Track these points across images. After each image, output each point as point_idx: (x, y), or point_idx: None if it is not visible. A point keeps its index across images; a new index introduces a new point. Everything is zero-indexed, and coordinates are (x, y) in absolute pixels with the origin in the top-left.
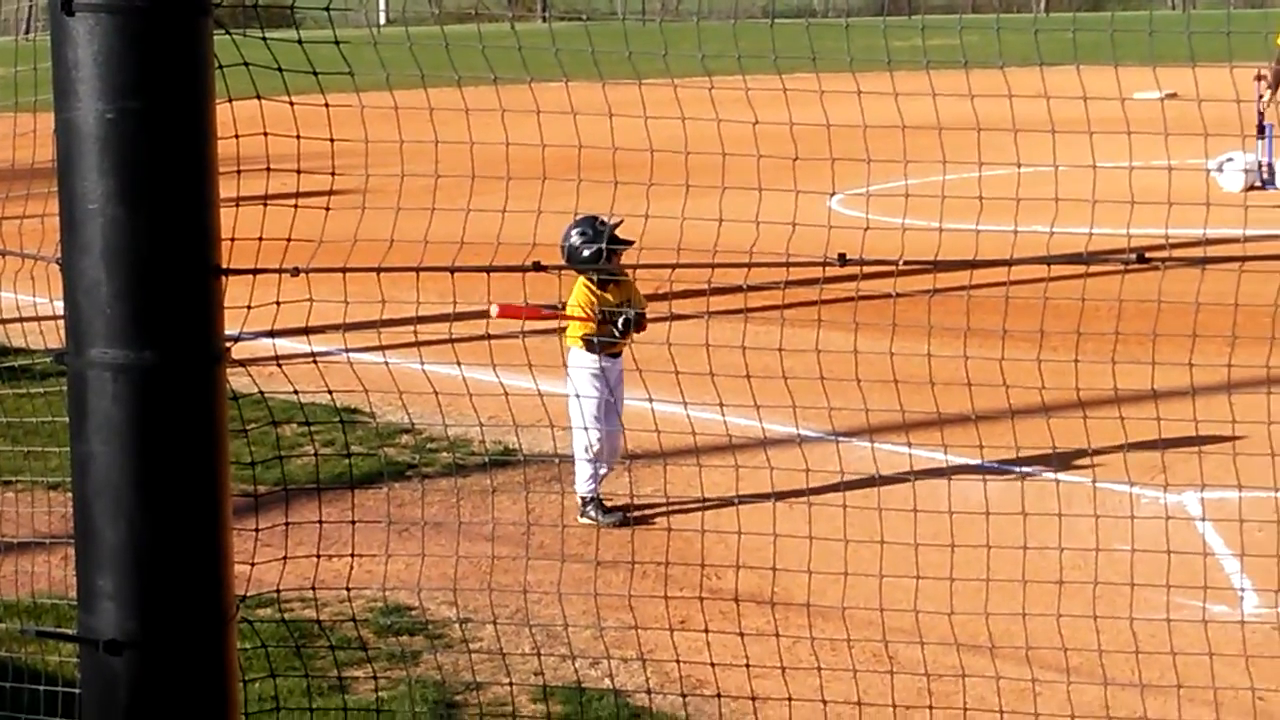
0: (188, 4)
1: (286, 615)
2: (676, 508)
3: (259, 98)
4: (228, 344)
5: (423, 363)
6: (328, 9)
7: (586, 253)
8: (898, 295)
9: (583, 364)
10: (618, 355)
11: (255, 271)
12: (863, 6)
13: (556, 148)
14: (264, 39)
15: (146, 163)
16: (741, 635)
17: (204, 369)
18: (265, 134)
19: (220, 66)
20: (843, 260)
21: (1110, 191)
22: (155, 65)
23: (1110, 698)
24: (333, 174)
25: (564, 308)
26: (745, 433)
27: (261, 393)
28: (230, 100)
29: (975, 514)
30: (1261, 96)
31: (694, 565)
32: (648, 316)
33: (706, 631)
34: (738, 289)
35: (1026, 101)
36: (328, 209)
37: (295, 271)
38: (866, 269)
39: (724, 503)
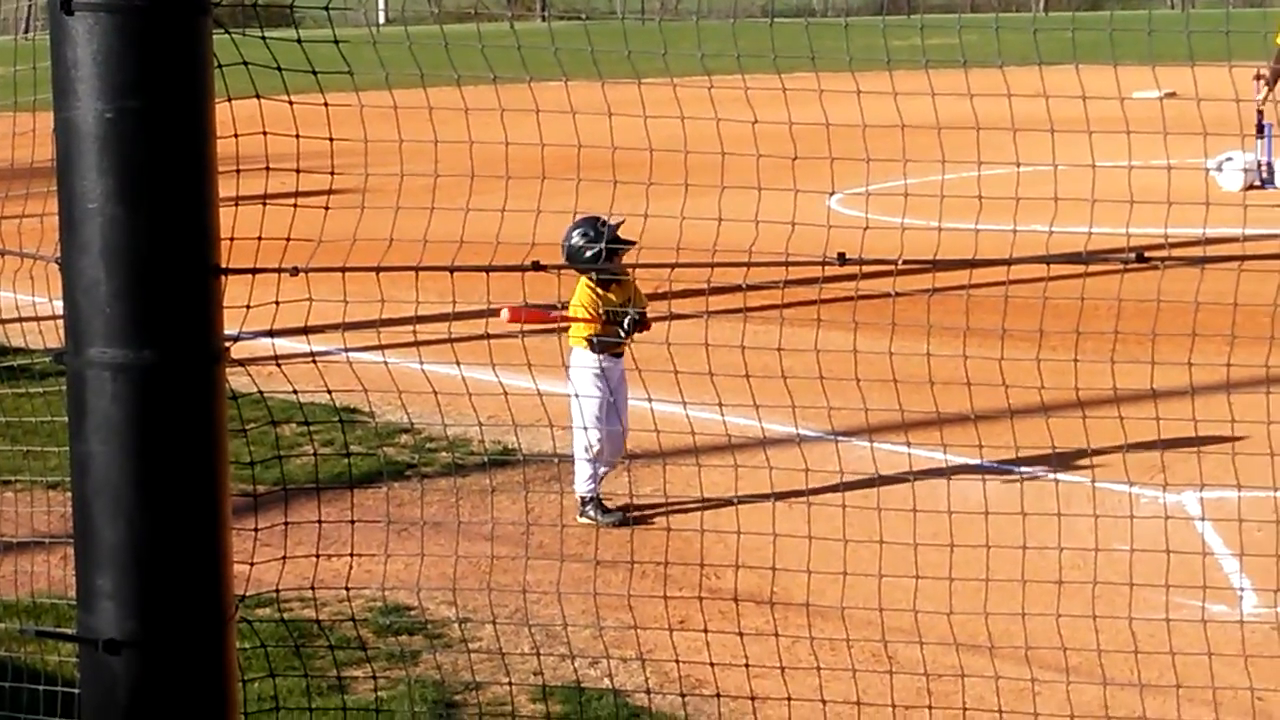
0: (187, 3)
1: (286, 615)
2: (676, 507)
3: (258, 97)
4: (227, 343)
5: (422, 362)
6: (327, 8)
7: (589, 253)
8: (897, 295)
9: (584, 364)
10: (619, 355)
11: (254, 271)
12: (862, 6)
13: (556, 147)
14: (263, 38)
15: (146, 162)
16: (741, 635)
17: (203, 368)
18: (264, 133)
19: (219, 66)
20: (842, 260)
21: (1109, 191)
22: (154, 64)
23: (1109, 697)
24: (332, 173)
25: (565, 308)
26: (744, 432)
27: (261, 392)
28: (230, 99)
29: (974, 514)
30: (1260, 95)
31: (693, 565)
32: (648, 316)
33: (706, 631)
34: (737, 288)
35: (1026, 101)
36: (327, 208)
37: (294, 271)
38: (866, 268)
39: (723, 502)
